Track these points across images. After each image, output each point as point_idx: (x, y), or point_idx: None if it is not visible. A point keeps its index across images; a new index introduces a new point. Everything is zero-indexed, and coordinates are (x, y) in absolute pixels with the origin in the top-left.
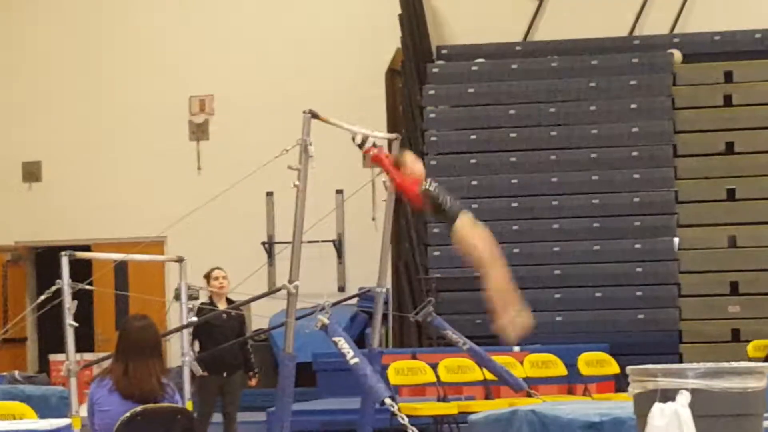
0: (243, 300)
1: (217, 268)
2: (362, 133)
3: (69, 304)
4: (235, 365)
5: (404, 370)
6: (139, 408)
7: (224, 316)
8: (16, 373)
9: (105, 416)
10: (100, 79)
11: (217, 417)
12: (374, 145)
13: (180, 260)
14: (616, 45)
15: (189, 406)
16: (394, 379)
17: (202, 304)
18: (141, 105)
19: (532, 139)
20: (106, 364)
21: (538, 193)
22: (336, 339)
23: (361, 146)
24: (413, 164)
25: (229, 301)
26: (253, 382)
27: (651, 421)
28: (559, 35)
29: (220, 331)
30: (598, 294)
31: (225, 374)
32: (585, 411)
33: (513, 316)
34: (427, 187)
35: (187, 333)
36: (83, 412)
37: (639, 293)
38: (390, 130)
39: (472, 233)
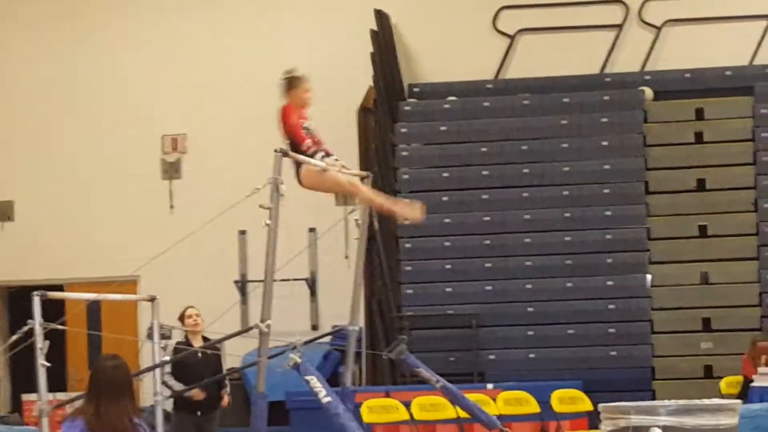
0: (216, 339)
1: (190, 306)
2: (328, 162)
3: (41, 344)
4: (211, 404)
5: (377, 408)
6: None
7: (199, 354)
8: None
9: None
10: (73, 117)
11: None
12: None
13: (152, 299)
14: (587, 82)
15: None
16: (367, 417)
17: (177, 343)
18: (114, 144)
19: (504, 177)
20: (79, 403)
21: (511, 231)
22: (308, 378)
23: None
24: (303, 94)
25: (205, 339)
26: (225, 400)
27: None
28: (531, 73)
29: (195, 369)
30: (570, 331)
31: (200, 413)
32: None
33: (404, 204)
34: (305, 125)
35: (159, 372)
36: None
37: (611, 330)
38: (362, 168)
39: (323, 176)
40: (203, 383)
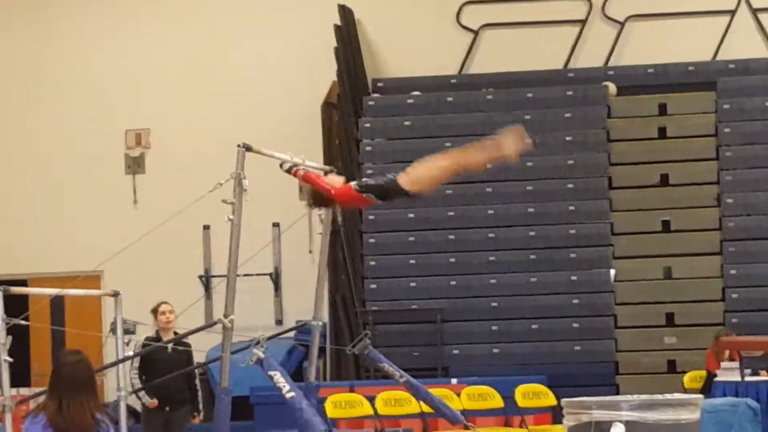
0: (180, 334)
1: (164, 302)
2: (289, 161)
3: (3, 339)
4: (180, 400)
5: (342, 403)
6: None
7: (169, 350)
8: None
9: None
10: (37, 113)
11: None
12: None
13: (116, 294)
14: (551, 78)
15: None
16: (331, 412)
17: (147, 338)
18: (77, 138)
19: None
20: (42, 399)
21: (474, 226)
22: (272, 373)
23: (289, 171)
24: (332, 179)
25: (176, 335)
26: (197, 420)
27: None
28: (494, 68)
29: (164, 365)
30: (534, 326)
31: (168, 408)
32: None
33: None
34: (361, 183)
35: (124, 367)
36: None
37: (575, 325)
38: (326, 162)
39: (416, 171)
40: (169, 376)
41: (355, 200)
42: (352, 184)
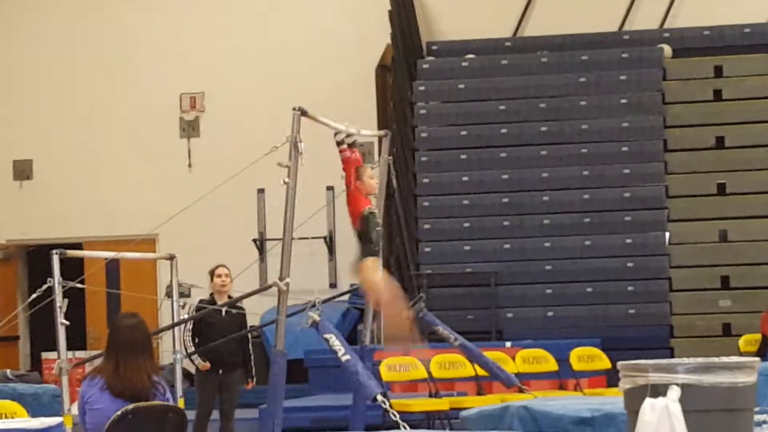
0: (235, 297)
1: (222, 265)
2: (344, 131)
3: (60, 303)
4: (233, 363)
5: (396, 366)
6: (130, 406)
7: (223, 313)
8: (8, 371)
9: (96, 414)
10: (91, 77)
11: (214, 414)
12: (352, 146)
13: (171, 258)
14: (605, 40)
15: (181, 403)
16: (385, 375)
17: (200, 301)
18: (132, 103)
19: (522, 135)
20: (98, 362)
21: (529, 189)
22: (327, 336)
23: (340, 144)
24: (369, 180)
25: (230, 299)
26: (249, 386)
27: (642, 416)
28: (549, 31)
29: (217, 328)
30: (589, 289)
31: (222, 371)
32: (576, 406)
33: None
34: (369, 211)
35: (179, 330)
36: (75, 410)
37: (630, 288)
38: (381, 126)
39: (373, 275)
40: (223, 340)
41: (352, 209)
42: (368, 208)
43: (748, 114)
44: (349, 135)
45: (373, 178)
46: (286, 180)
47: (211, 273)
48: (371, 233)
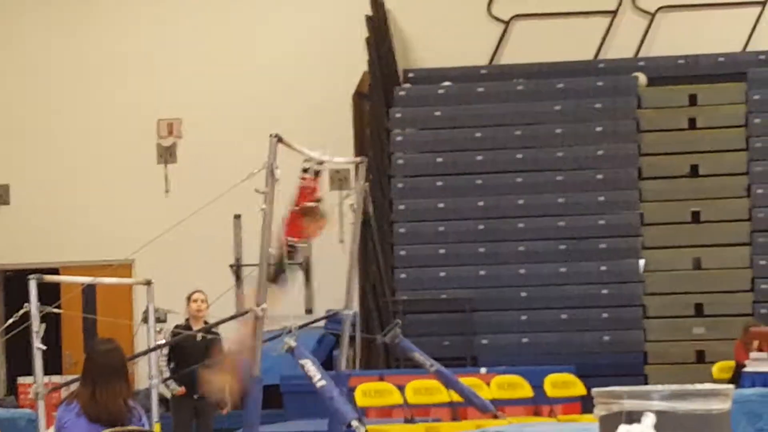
0: (211, 323)
1: (198, 291)
2: (316, 159)
3: (37, 328)
4: None
5: (371, 392)
6: (106, 431)
7: (198, 338)
8: None
9: None
10: (69, 102)
11: None
12: (317, 175)
13: (148, 283)
14: (581, 68)
15: (157, 429)
16: (361, 401)
17: (176, 326)
18: (109, 128)
19: (498, 162)
20: (75, 387)
21: (504, 216)
22: (303, 362)
23: (305, 171)
24: (316, 227)
25: (206, 324)
26: (225, 411)
27: None
28: (525, 59)
29: (192, 353)
30: (563, 316)
31: (197, 396)
32: None
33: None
34: (296, 244)
35: (155, 355)
36: None
37: (605, 315)
38: (357, 153)
39: (244, 335)
40: (197, 366)
41: (283, 236)
42: (298, 241)
43: (723, 142)
44: (320, 163)
45: (320, 230)
46: (263, 206)
47: (188, 298)
48: (281, 264)
